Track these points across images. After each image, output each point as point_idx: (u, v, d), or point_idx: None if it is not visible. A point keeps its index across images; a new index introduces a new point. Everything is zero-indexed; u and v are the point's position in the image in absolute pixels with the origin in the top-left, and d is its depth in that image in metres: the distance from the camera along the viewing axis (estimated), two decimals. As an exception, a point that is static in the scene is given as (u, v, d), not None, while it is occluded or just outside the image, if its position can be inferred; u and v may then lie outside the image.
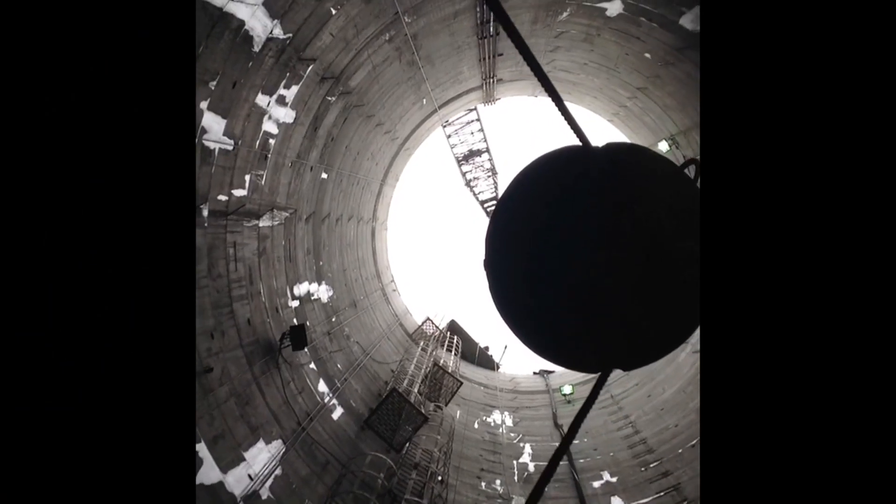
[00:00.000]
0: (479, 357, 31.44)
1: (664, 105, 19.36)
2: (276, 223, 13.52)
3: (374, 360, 19.58)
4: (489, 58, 19.53)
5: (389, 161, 24.02)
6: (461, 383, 20.16)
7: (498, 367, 31.40)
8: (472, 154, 41.04)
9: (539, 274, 3.70)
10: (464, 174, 42.70)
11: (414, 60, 16.72)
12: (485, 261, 4.01)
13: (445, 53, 17.95)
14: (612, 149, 3.71)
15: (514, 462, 17.94)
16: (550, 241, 3.63)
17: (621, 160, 3.70)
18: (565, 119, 3.39)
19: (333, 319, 17.80)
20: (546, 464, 14.29)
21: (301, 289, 15.71)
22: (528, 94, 27.16)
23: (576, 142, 3.73)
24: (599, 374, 3.70)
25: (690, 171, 3.91)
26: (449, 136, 38.05)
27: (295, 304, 15.08)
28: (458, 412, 21.08)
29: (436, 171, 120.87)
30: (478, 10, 15.62)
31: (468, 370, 27.84)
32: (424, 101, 21.21)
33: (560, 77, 22.57)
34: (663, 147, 21.27)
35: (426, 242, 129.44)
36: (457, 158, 41.22)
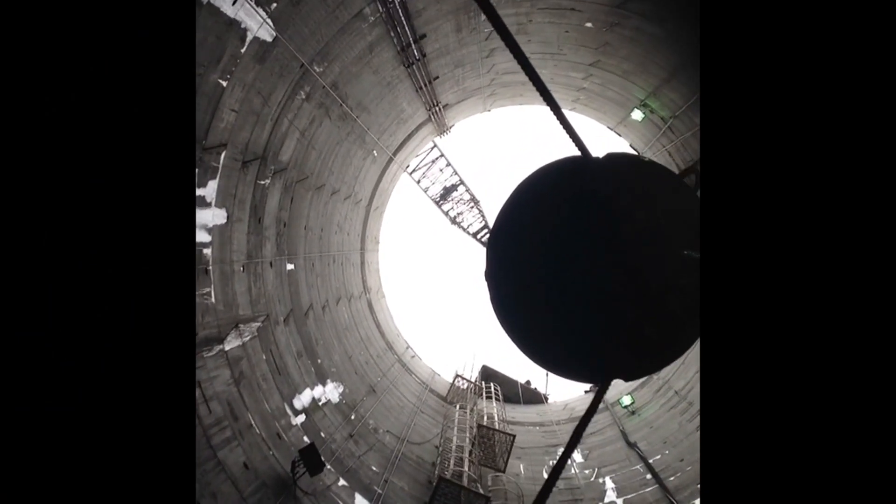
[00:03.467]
0: (524, 394, 29.23)
1: (623, 72, 17.68)
2: (248, 338, 11.58)
3: (413, 442, 17.46)
4: (426, 85, 17.80)
5: (361, 227, 22.19)
6: (513, 436, 17.98)
7: (546, 399, 29.20)
8: (447, 191, 40.01)
9: (540, 285, 3.82)
10: (446, 213, 41.72)
11: (345, 112, 14.95)
12: (486, 272, 4.04)
13: (377, 94, 16.21)
14: (613, 158, 3.74)
15: (601, 504, 15.75)
16: (551, 252, 3.75)
17: (621, 170, 3.75)
18: (565, 129, 3.42)
19: (353, 417, 15.76)
20: (634, 494, 12.08)
21: (303, 399, 13.71)
22: (479, 112, 25.44)
23: (571, 151, 3.73)
24: (601, 384, 3.73)
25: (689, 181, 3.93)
26: (419, 181, 36.96)
27: (300, 419, 13.07)
28: (521, 466, 18.93)
29: (415, 218, 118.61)
30: (392, 35, 13.86)
31: (517, 412, 25.69)
32: (375, 152, 19.45)
33: (507, 81, 20.93)
34: (637, 116, 19.56)
35: (431, 293, 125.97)
36: (434, 200, 40.23)
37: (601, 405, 22.60)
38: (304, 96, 12.50)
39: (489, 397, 24.63)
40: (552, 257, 3.75)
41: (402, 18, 13.38)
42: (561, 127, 3.55)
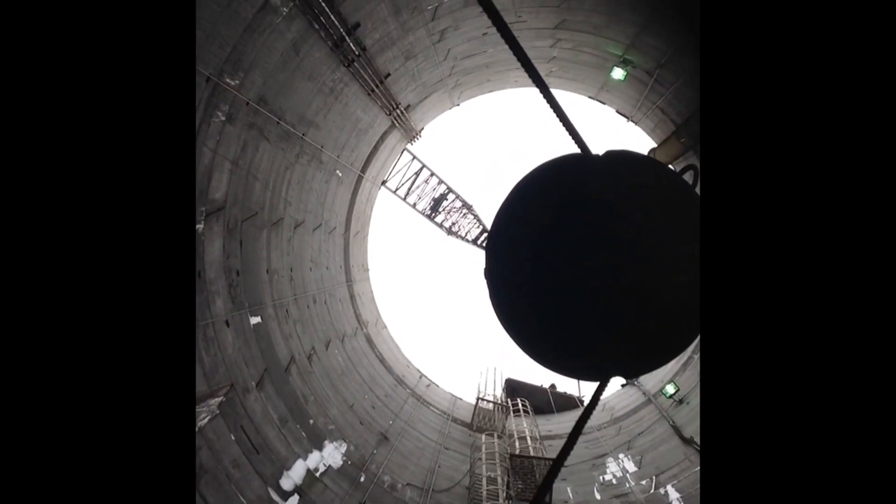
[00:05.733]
0: (555, 400, 27.01)
1: (594, 27, 15.63)
2: (206, 420, 9.37)
3: (439, 490, 15.21)
4: (378, 85, 15.68)
5: (342, 257, 20.01)
6: (552, 460, 15.69)
7: (581, 402, 26.93)
8: (437, 202, 38.29)
9: (539, 282, 3.82)
10: (440, 225, 40.04)
11: (286, 131, 12.76)
12: (485, 270, 4.05)
13: (322, 104, 14.03)
14: (612, 156, 3.73)
15: (669, 523, 13.43)
16: (550, 250, 3.77)
17: (621, 168, 3.75)
18: (563, 125, 3.42)
19: (362, 479, 13.52)
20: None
21: (294, 475, 11.47)
22: (448, 108, 23.33)
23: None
24: (600, 382, 3.72)
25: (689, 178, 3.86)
26: (405, 198, 35.06)
27: (294, 501, 10.85)
28: (569, 489, 16.64)
29: (408, 236, 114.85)
30: (317, 28, 11.67)
31: (552, 424, 23.48)
32: (339, 172, 17.31)
33: (468, 67, 18.82)
34: (619, 75, 17.44)
35: (439, 311, 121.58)
36: (426, 215, 38.50)
37: (643, 398, 20.39)
38: (223, 117, 10.28)
39: (517, 413, 22.43)
40: (551, 255, 3.75)
41: (324, 6, 11.23)
42: (560, 123, 3.47)
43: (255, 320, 12.17)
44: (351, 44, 12.95)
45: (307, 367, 14.43)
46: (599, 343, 3.78)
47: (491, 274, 4.04)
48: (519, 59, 3.15)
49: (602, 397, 18.60)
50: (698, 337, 3.71)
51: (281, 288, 13.90)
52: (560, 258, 3.71)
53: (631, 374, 3.96)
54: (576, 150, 3.82)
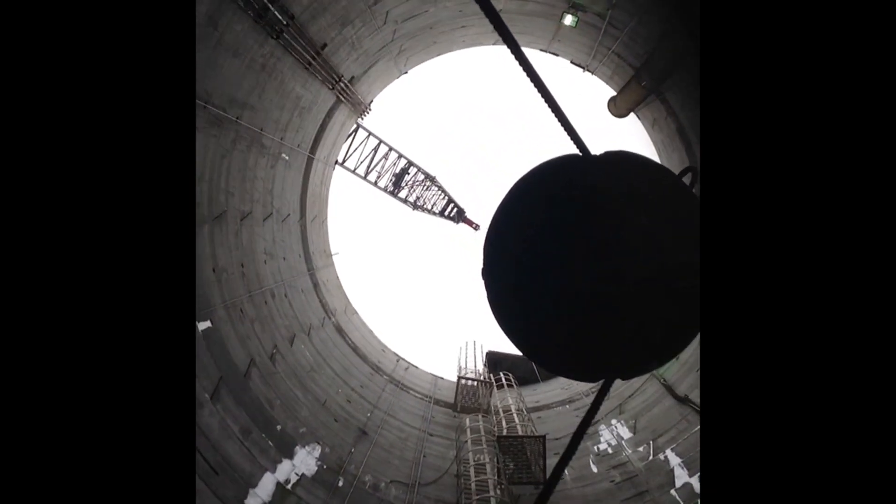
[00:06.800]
0: (539, 369, 26.24)
1: (540, -30, 14.57)
2: (151, 448, 8.33)
3: (426, 483, 14.35)
4: (315, 57, 14.46)
5: (300, 245, 18.88)
6: (543, 437, 14.88)
7: (566, 369, 26.24)
8: (399, 178, 37.50)
9: (538, 283, 3.76)
10: (405, 200, 39.24)
11: (216, 116, 11.53)
12: (483, 270, 4.02)
13: (254, 83, 12.79)
14: (611, 157, 3.72)
15: (673, 492, 12.62)
16: (549, 250, 3.73)
17: (619, 168, 3.74)
18: (563, 126, 3.43)
19: (340, 483, 12.58)
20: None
21: (262, 492, 10.47)
22: (395, 77, 22.13)
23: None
24: (603, 381, 3.74)
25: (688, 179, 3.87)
26: (366, 176, 34.02)
27: (261, 524, 9.87)
28: (564, 465, 15.85)
29: (373, 215, 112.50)
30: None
31: (538, 394, 22.80)
32: (285, 155, 16.12)
33: (411, 30, 17.67)
34: (570, 22, 16.38)
35: (413, 288, 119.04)
36: (389, 192, 37.66)
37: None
38: (136, 105, 9.10)
39: (501, 387, 21.65)
40: (550, 256, 3.64)
41: (238, -30, 10.03)
42: (559, 123, 3.39)
43: (203, 325, 11.09)
44: (276, 13, 11.74)
45: (270, 368, 13.37)
46: (599, 344, 3.65)
47: (489, 274, 3.95)
48: (507, 45, 3.10)
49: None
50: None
51: (232, 286, 12.77)
52: (558, 259, 3.62)
53: (630, 375, 3.82)
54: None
